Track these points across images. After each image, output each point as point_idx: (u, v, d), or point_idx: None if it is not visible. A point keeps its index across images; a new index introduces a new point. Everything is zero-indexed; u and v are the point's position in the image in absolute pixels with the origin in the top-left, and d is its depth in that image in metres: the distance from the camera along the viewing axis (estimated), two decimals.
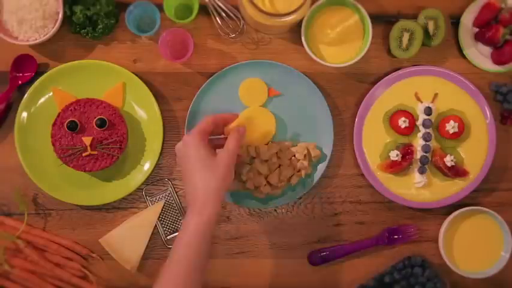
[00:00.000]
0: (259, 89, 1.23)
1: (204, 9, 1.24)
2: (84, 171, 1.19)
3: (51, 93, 1.23)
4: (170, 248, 1.25)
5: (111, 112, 1.19)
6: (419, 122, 1.23)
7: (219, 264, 1.26)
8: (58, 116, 1.19)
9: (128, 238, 1.22)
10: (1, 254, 1.20)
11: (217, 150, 1.09)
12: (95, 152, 1.18)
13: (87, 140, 1.17)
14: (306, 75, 1.24)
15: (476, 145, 1.25)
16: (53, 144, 1.18)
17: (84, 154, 1.18)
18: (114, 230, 1.23)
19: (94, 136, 1.18)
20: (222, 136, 1.14)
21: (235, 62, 1.25)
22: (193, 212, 1.01)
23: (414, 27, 1.22)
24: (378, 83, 1.24)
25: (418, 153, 1.23)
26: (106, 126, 1.18)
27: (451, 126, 1.21)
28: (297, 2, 1.11)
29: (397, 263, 1.25)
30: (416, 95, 1.24)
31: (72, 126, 1.17)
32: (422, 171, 1.22)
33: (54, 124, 1.18)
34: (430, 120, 1.21)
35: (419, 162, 1.22)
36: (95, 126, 1.18)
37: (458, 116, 1.22)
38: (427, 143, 1.22)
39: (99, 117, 1.17)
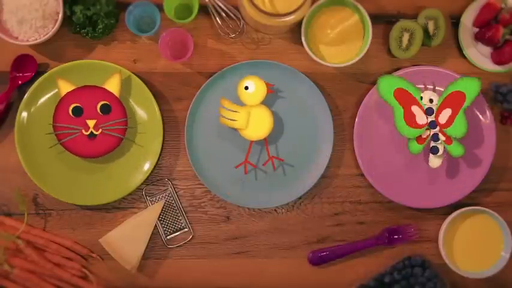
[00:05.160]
0: (258, 87, 1.21)
1: (204, 9, 1.24)
2: (86, 156, 1.19)
3: (51, 93, 1.23)
4: (170, 248, 1.25)
5: (112, 98, 1.19)
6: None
7: (219, 264, 1.26)
8: (61, 100, 1.19)
9: (128, 238, 1.22)
10: (1, 254, 1.20)
11: None
12: (98, 132, 1.18)
13: (90, 123, 1.18)
14: (306, 75, 1.24)
15: (476, 145, 1.25)
16: (55, 129, 1.19)
17: (86, 132, 1.18)
18: (114, 230, 1.23)
19: (97, 120, 1.19)
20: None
21: (235, 62, 1.25)
22: None
23: (414, 27, 1.22)
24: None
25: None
26: (110, 111, 1.18)
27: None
28: (297, 2, 1.11)
29: (397, 263, 1.25)
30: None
31: (77, 111, 1.17)
32: (435, 151, 1.20)
33: (57, 109, 1.19)
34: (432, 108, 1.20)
35: (431, 142, 1.20)
36: (98, 111, 1.18)
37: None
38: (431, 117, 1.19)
39: (103, 102, 1.18)
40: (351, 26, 1.23)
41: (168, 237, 1.25)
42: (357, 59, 1.21)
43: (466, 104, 1.17)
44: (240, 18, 1.23)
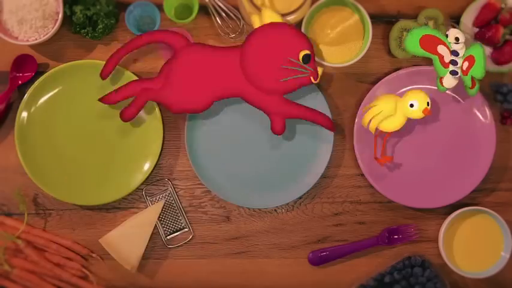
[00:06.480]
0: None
1: (204, 9, 1.24)
2: None
3: (51, 93, 1.23)
4: (170, 248, 1.25)
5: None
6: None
7: (219, 264, 1.26)
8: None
9: (128, 238, 1.22)
10: (1, 254, 1.20)
11: None
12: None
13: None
14: None
15: (476, 145, 1.25)
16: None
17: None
18: (114, 230, 1.23)
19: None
20: None
21: None
22: None
23: (414, 27, 1.22)
24: (378, 83, 1.24)
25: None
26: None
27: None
28: (297, 2, 1.11)
29: (397, 263, 1.25)
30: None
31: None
32: (455, 74, 1.18)
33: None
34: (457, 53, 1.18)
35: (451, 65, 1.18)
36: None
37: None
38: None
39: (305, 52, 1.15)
40: (351, 26, 1.23)
41: (168, 237, 1.25)
42: (357, 59, 1.21)
43: (475, 68, 1.15)
44: (240, 18, 1.23)
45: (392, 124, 1.18)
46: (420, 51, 1.17)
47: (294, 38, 1.16)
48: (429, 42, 1.17)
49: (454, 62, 1.17)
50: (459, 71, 1.17)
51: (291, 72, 1.16)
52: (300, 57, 1.15)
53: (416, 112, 1.16)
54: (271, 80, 1.17)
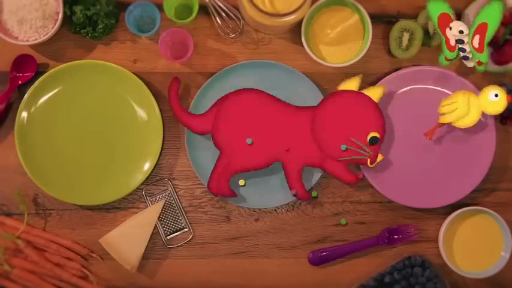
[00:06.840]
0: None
1: (204, 9, 1.24)
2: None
3: (51, 93, 1.23)
4: (170, 248, 1.25)
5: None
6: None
7: (219, 264, 1.26)
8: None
9: (128, 238, 1.22)
10: (1, 254, 1.20)
11: None
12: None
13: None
14: (306, 75, 1.24)
15: (476, 145, 1.25)
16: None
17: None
18: (114, 230, 1.23)
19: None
20: None
21: (235, 62, 1.25)
22: None
23: (414, 27, 1.22)
24: (378, 83, 1.24)
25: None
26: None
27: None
28: (297, 2, 1.11)
29: (397, 263, 1.25)
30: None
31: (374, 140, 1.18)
32: (466, 58, 1.20)
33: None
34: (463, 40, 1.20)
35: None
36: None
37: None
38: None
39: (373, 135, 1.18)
40: (351, 26, 1.23)
41: (168, 237, 1.25)
42: (357, 59, 1.21)
43: (490, 31, 1.16)
44: (240, 18, 1.23)
45: (466, 121, 1.19)
46: (436, 24, 1.18)
47: (371, 115, 1.19)
48: (443, 21, 1.18)
49: (462, 50, 1.18)
50: (470, 55, 1.18)
51: (353, 148, 1.19)
52: (368, 137, 1.18)
53: (501, 101, 1.17)
54: (333, 148, 1.19)
